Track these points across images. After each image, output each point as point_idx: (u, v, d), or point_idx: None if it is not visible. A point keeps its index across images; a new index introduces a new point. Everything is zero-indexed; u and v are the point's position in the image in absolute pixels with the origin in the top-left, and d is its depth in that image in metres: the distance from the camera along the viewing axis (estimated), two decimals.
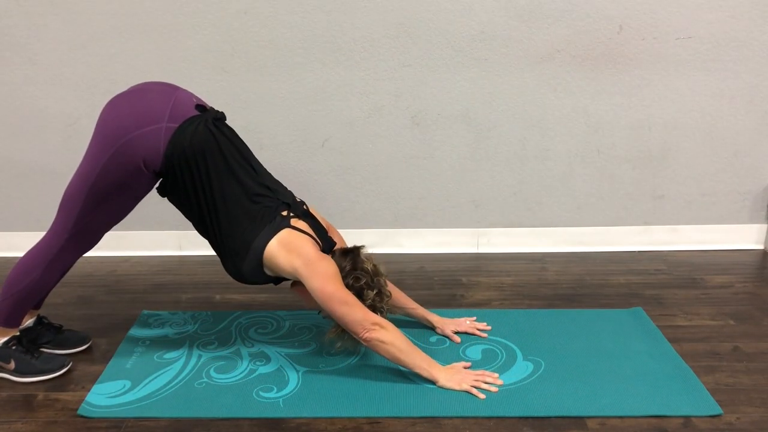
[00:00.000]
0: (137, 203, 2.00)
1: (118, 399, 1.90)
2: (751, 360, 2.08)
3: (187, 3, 2.61)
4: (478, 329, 2.24)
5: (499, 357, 2.09)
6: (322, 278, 1.86)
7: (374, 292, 1.96)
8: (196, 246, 2.96)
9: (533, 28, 2.65)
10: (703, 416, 1.80)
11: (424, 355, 1.95)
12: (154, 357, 2.11)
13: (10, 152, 2.83)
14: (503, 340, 2.19)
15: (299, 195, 2.93)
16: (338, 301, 1.86)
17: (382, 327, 1.88)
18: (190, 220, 2.01)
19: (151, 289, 2.64)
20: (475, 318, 2.30)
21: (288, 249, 1.88)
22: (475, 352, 2.13)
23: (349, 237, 2.95)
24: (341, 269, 1.95)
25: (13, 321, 2.01)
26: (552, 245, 2.97)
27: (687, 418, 1.80)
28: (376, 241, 2.94)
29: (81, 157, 2.81)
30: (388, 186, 2.88)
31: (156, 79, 2.72)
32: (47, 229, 1.99)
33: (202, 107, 1.93)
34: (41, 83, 2.72)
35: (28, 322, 2.11)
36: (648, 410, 1.82)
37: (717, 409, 1.82)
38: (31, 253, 1.98)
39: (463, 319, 2.27)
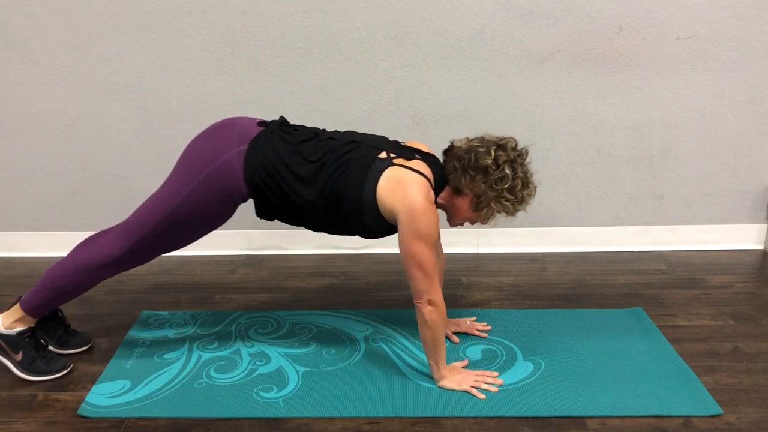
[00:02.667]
0: (205, 235, 2.01)
1: (118, 399, 1.90)
2: (751, 360, 2.08)
3: (187, 3, 2.61)
4: (478, 329, 2.24)
5: (499, 357, 2.09)
6: (415, 235, 1.79)
7: (489, 148, 1.86)
8: (196, 246, 2.96)
9: (533, 28, 2.65)
10: (703, 416, 1.80)
11: (444, 353, 1.93)
12: (154, 357, 2.11)
13: (10, 152, 2.83)
14: (503, 340, 2.19)
15: None
16: (417, 264, 1.81)
17: (435, 308, 1.84)
18: (308, 227, 1.98)
19: (151, 289, 2.64)
20: (474, 318, 2.30)
21: (393, 189, 1.81)
22: (475, 352, 2.13)
23: (348, 237, 2.95)
24: (454, 169, 1.89)
25: (38, 312, 2.01)
26: (552, 245, 2.97)
27: (687, 418, 1.80)
28: (376, 242, 2.93)
29: (80, 156, 2.83)
30: None
31: (150, 77, 2.73)
32: (102, 235, 2.00)
33: (264, 123, 1.94)
34: (41, 83, 2.72)
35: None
36: (648, 410, 1.82)
37: (717, 409, 1.83)
38: (80, 256, 1.96)
39: (463, 319, 2.27)
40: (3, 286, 2.64)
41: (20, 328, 2.00)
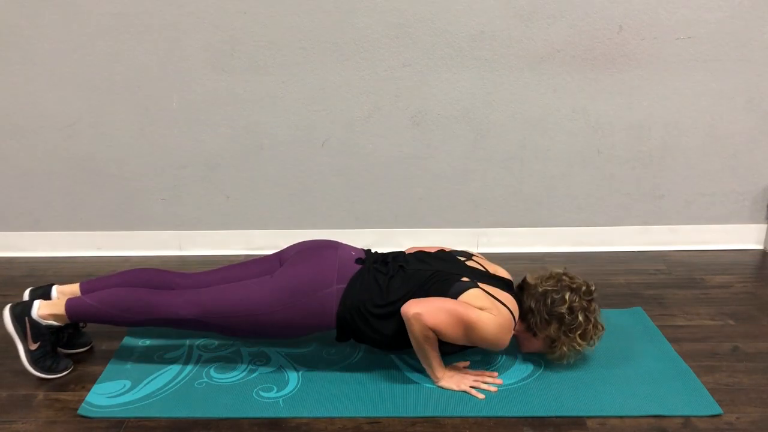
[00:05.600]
0: (273, 338, 2.07)
1: (118, 399, 1.90)
2: (751, 360, 2.08)
3: (187, 3, 2.61)
4: None
5: (499, 357, 2.09)
6: (467, 320, 1.82)
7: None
8: (196, 246, 2.97)
9: (533, 28, 2.65)
10: (703, 416, 1.81)
11: (435, 358, 1.93)
12: (154, 357, 2.11)
13: (10, 152, 2.83)
14: None
15: (299, 195, 2.94)
16: (438, 317, 1.81)
17: (416, 323, 1.82)
18: (385, 349, 2.05)
19: None
20: None
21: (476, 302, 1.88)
22: (475, 352, 2.12)
23: (349, 237, 2.96)
24: (530, 311, 1.94)
25: (79, 318, 2.00)
26: (552, 245, 2.97)
27: (687, 418, 1.80)
28: (376, 241, 2.93)
29: (80, 156, 2.83)
30: (388, 186, 2.88)
31: (150, 77, 2.73)
32: (177, 284, 2.05)
33: (361, 260, 1.99)
34: (41, 83, 2.72)
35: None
36: (648, 410, 1.82)
37: (717, 409, 1.83)
38: (150, 299, 1.96)
39: None
40: (3, 286, 2.64)
41: (52, 322, 1.99)
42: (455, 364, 2.01)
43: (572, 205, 2.93)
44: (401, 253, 2.09)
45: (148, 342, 2.20)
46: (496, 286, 1.95)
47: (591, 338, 1.95)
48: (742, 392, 1.91)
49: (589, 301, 1.94)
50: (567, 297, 1.91)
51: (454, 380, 1.93)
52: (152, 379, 1.99)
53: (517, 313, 1.94)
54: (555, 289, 1.93)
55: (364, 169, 2.85)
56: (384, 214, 2.93)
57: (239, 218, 2.94)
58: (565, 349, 1.94)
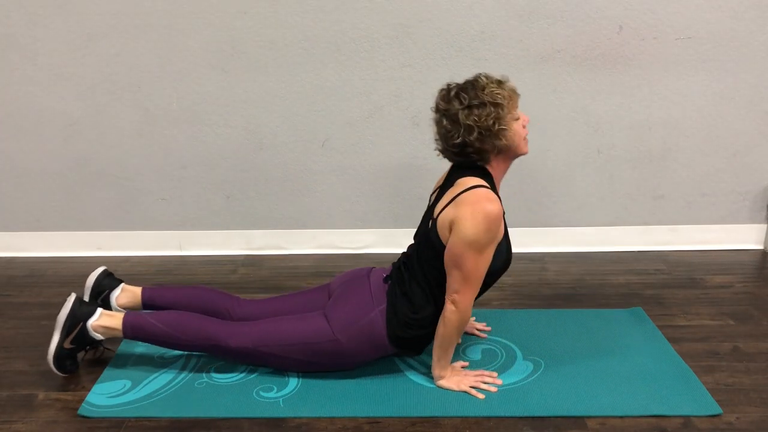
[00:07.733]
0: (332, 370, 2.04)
1: (118, 399, 1.90)
2: (750, 360, 2.08)
3: (187, 3, 2.61)
4: (478, 329, 2.24)
5: (499, 357, 2.09)
6: (464, 239, 1.76)
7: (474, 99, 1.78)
8: (196, 246, 2.97)
9: (533, 28, 2.65)
10: (702, 416, 1.80)
11: (450, 355, 1.94)
12: (155, 357, 2.11)
13: (10, 152, 2.83)
14: (503, 340, 2.19)
15: (299, 195, 2.94)
16: (455, 264, 1.79)
17: (456, 309, 1.83)
18: None
19: None
20: (474, 318, 2.30)
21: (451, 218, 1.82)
22: (475, 352, 2.13)
23: (349, 237, 2.97)
24: (468, 155, 1.84)
25: (132, 336, 1.98)
26: (552, 245, 2.97)
27: (687, 417, 1.80)
28: (376, 241, 2.94)
29: (80, 156, 2.83)
30: (388, 186, 2.88)
31: (150, 77, 2.72)
32: (237, 314, 2.07)
33: (389, 276, 1.99)
34: (41, 83, 2.72)
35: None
36: (648, 410, 1.82)
37: (717, 409, 1.83)
38: (211, 328, 1.97)
39: None
40: (3, 286, 2.64)
41: (99, 336, 1.97)
42: (453, 364, 2.01)
43: (572, 205, 2.93)
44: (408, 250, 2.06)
45: None
46: (448, 188, 1.87)
47: (494, 111, 1.77)
48: (742, 392, 1.91)
49: (453, 100, 1.80)
50: (450, 124, 1.80)
51: (454, 380, 1.93)
52: (152, 379, 1.99)
53: (480, 180, 1.84)
54: (440, 131, 1.85)
55: (364, 169, 2.85)
56: (384, 214, 2.93)
57: (239, 218, 2.94)
58: (501, 127, 1.78)
